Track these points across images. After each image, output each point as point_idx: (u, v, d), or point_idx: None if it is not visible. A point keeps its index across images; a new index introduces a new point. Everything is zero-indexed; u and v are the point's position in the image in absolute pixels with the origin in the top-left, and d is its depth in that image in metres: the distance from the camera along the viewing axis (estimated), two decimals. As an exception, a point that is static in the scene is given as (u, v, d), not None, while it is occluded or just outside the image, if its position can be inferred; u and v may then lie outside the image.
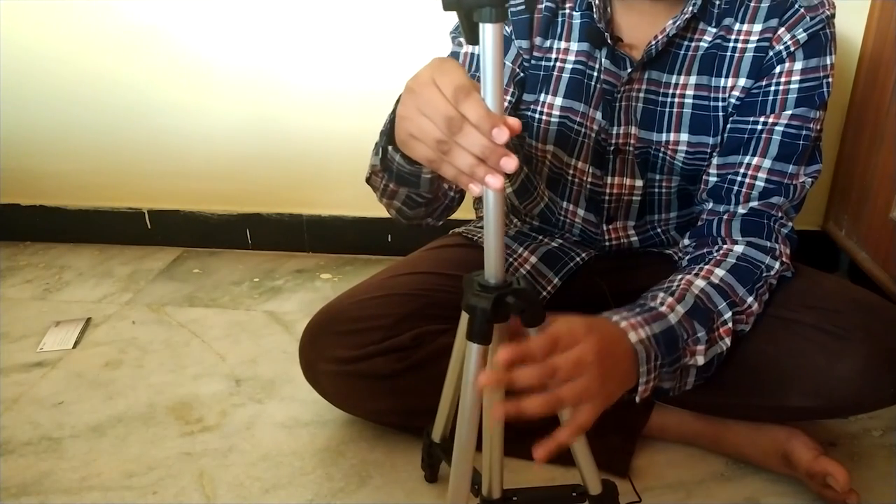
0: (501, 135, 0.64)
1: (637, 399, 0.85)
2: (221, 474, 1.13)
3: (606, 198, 1.12)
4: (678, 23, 0.99)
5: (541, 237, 1.22)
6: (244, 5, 1.68)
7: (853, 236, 1.55)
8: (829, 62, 0.99)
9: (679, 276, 0.97)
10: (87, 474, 1.14)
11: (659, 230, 1.16)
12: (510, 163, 0.65)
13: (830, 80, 1.00)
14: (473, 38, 0.64)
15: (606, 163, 1.09)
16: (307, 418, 1.25)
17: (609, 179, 1.10)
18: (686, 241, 1.06)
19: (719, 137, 1.04)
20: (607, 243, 1.17)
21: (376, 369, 1.07)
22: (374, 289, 1.15)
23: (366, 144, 1.74)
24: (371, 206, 1.86)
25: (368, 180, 1.01)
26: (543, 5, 1.07)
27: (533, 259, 1.18)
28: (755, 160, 1.00)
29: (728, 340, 0.93)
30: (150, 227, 1.96)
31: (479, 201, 1.39)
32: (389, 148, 0.85)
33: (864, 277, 1.45)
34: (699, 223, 1.05)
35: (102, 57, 1.77)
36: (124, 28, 1.73)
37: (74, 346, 1.50)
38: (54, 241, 2.00)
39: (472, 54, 1.10)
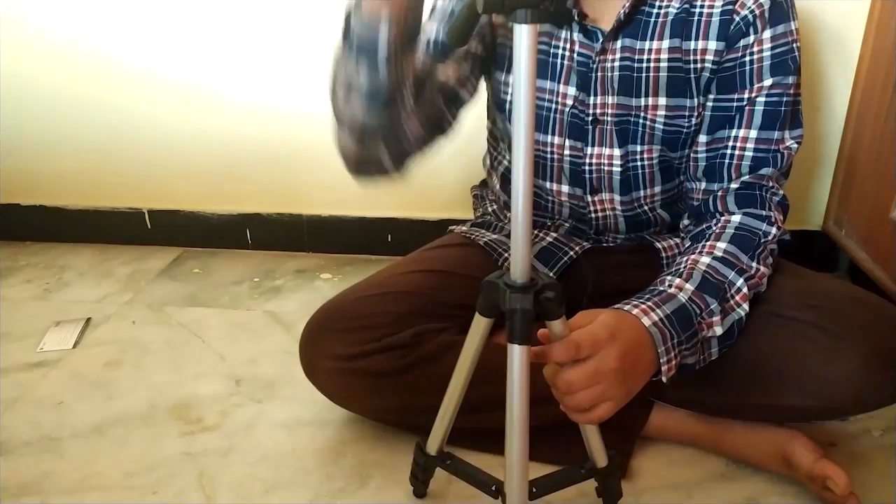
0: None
1: (664, 379, 0.89)
2: (221, 474, 1.13)
3: (587, 168, 1.14)
4: None
5: (536, 232, 1.22)
6: (244, 5, 1.68)
7: (853, 236, 1.55)
8: (794, 27, 1.02)
9: (685, 258, 1.00)
10: (87, 474, 1.14)
11: (646, 207, 1.17)
12: None
13: (798, 44, 1.03)
14: (464, 40, 0.63)
15: (585, 134, 1.11)
16: (307, 418, 1.25)
17: (588, 150, 1.12)
18: (686, 221, 1.12)
19: (696, 100, 1.06)
20: (593, 215, 1.18)
21: (376, 367, 1.07)
22: (374, 287, 1.15)
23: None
24: (371, 206, 1.86)
25: (333, 94, 0.98)
26: None
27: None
28: (741, 132, 1.04)
29: (746, 306, 0.97)
30: (150, 227, 1.96)
31: (478, 201, 1.39)
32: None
33: (864, 277, 1.45)
34: (695, 202, 1.09)
35: (103, 57, 1.77)
36: (124, 29, 1.73)
37: (74, 346, 1.50)
38: (54, 241, 2.00)
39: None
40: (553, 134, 1.13)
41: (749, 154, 1.03)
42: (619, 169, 1.12)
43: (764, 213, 1.03)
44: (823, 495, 1.00)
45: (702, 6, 1.03)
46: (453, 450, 1.00)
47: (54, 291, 1.74)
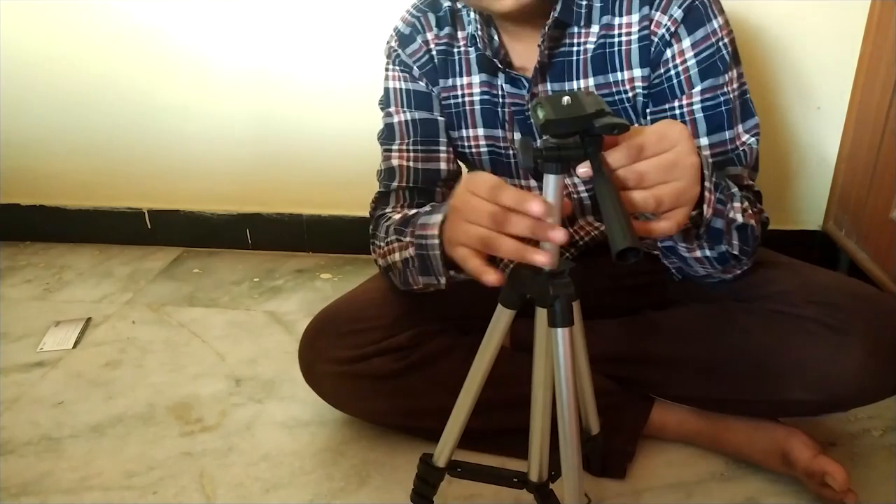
0: (536, 206, 0.70)
1: (706, 212, 0.82)
2: (221, 474, 1.13)
3: None
4: (544, 39, 1.00)
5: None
6: (245, 6, 1.68)
7: (853, 236, 1.55)
8: (717, 25, 0.98)
9: None
10: (87, 474, 1.14)
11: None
12: (558, 235, 0.70)
13: (727, 39, 0.99)
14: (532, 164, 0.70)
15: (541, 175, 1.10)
16: (307, 418, 1.25)
17: None
18: None
19: (638, 124, 1.04)
20: (581, 242, 1.17)
21: (375, 369, 1.07)
22: (371, 290, 1.15)
23: (366, 144, 1.74)
24: (367, 205, 1.86)
25: (385, 272, 1.06)
26: (434, 49, 1.10)
27: None
28: None
29: (757, 227, 0.94)
30: (150, 227, 1.96)
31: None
32: (452, 272, 0.92)
33: (863, 277, 1.45)
34: None
35: (103, 57, 1.77)
36: (124, 28, 1.73)
37: (74, 346, 1.50)
38: (54, 241, 2.00)
39: (400, 89, 1.13)
40: (519, 178, 1.13)
41: (709, 161, 1.00)
42: (585, 194, 1.12)
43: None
44: (822, 492, 1.01)
45: (619, 35, 1.01)
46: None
47: (54, 291, 1.75)
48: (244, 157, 1.84)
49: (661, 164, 0.72)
